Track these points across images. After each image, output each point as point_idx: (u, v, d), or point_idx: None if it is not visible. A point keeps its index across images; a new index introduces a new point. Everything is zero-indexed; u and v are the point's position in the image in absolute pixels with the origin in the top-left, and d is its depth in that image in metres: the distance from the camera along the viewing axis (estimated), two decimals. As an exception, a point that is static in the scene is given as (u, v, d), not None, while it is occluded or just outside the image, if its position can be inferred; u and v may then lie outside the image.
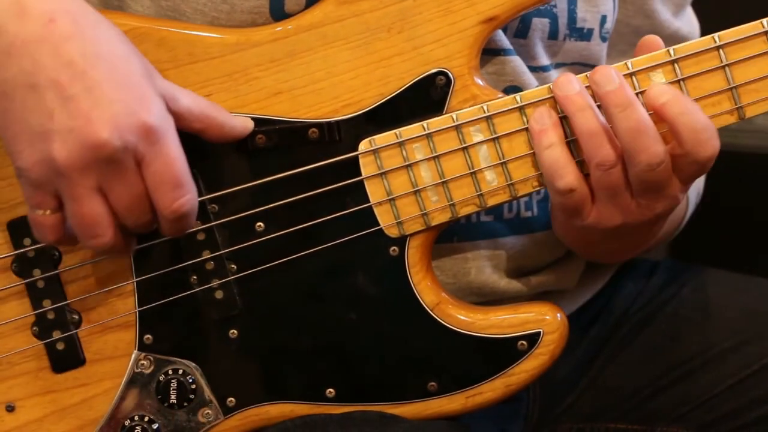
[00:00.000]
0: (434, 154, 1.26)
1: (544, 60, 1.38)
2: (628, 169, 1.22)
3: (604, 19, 1.40)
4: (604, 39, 1.41)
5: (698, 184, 1.56)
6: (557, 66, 1.40)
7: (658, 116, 1.22)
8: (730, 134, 2.03)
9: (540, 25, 1.35)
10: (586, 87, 1.23)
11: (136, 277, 1.28)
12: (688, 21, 1.55)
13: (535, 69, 1.38)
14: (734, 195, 2.12)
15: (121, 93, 1.15)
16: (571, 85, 1.22)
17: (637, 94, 1.24)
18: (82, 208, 1.16)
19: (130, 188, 1.16)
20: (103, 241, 1.18)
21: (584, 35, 1.39)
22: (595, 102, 1.22)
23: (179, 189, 1.17)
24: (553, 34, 1.37)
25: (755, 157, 2.11)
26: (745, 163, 2.08)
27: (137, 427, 1.28)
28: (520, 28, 1.35)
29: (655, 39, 1.26)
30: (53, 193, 1.17)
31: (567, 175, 1.22)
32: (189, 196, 1.18)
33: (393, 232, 1.27)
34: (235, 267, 1.28)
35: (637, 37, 1.29)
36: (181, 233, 1.22)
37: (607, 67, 1.23)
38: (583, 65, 1.41)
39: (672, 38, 1.48)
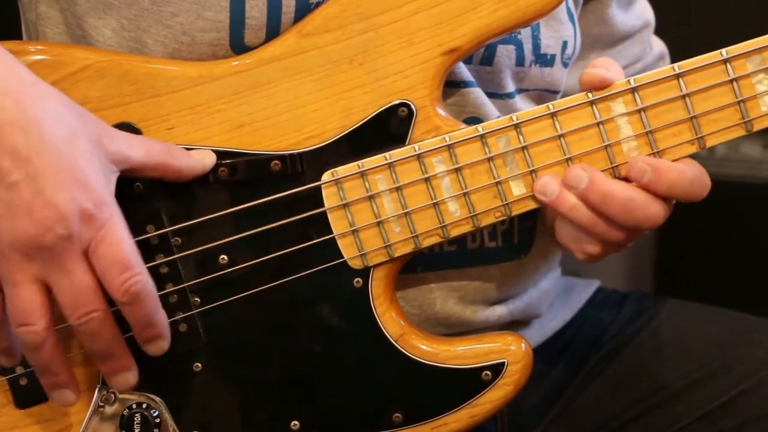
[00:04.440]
0: (397, 185, 1.26)
1: (510, 87, 1.39)
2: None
3: (565, 44, 1.41)
4: (565, 65, 1.42)
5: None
6: (520, 91, 1.41)
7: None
8: (718, 163, 2.05)
9: (506, 52, 1.36)
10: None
11: (100, 311, 1.27)
12: (637, 14, 1.58)
13: (500, 96, 1.38)
14: (722, 224, 2.13)
15: (64, 180, 1.14)
16: (548, 188, 1.25)
17: (599, 123, 1.25)
18: (19, 292, 1.16)
19: (73, 278, 1.15)
20: (34, 329, 1.16)
21: (547, 61, 1.40)
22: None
23: (128, 270, 1.17)
24: (519, 61, 1.38)
25: (743, 186, 2.11)
26: (732, 192, 2.09)
27: (101, 462, 1.28)
28: (485, 56, 1.35)
29: (597, 76, 1.26)
30: None
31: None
32: (139, 277, 1.17)
33: (356, 264, 1.27)
34: (199, 300, 1.27)
35: (597, 43, 1.30)
36: (147, 322, 1.20)
37: (575, 167, 1.24)
38: (545, 91, 1.42)
39: (628, 35, 1.52)
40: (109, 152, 1.19)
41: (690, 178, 1.24)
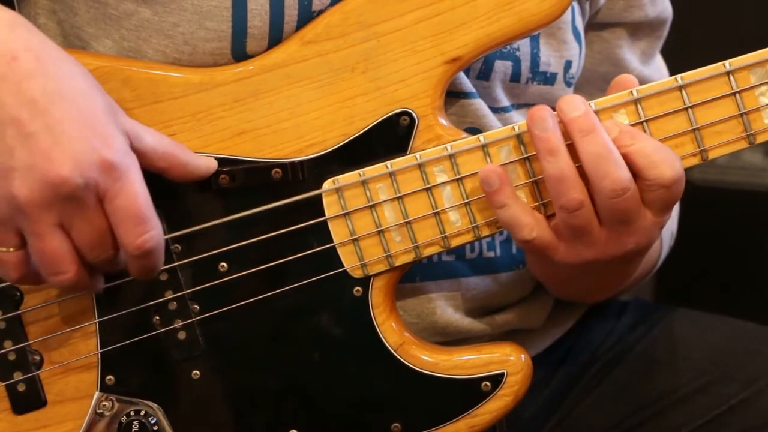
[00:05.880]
0: (398, 195, 1.26)
1: (505, 102, 1.39)
2: (595, 199, 1.21)
3: (569, 64, 1.40)
4: (569, 84, 1.42)
5: (671, 226, 1.56)
6: (519, 107, 1.40)
7: None
8: (719, 171, 2.05)
9: (502, 67, 1.36)
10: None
11: (99, 318, 1.27)
12: (657, 68, 1.56)
13: (496, 110, 1.38)
14: (723, 232, 2.12)
15: (82, 130, 1.15)
16: (545, 123, 1.21)
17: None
18: (45, 244, 1.16)
19: (91, 225, 1.16)
20: (66, 277, 1.17)
21: (548, 79, 1.39)
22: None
23: (143, 225, 1.16)
24: (515, 77, 1.37)
25: (744, 194, 2.11)
26: (734, 200, 2.09)
27: (98, 469, 1.28)
28: (482, 70, 1.35)
29: (628, 77, 1.26)
30: (16, 231, 1.17)
31: (524, 227, 1.23)
32: (153, 232, 1.17)
33: (357, 273, 1.27)
34: (198, 307, 1.27)
35: (606, 83, 1.29)
36: (150, 272, 1.21)
37: (575, 96, 1.23)
38: None
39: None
40: (124, 124, 1.20)
41: (654, 144, 1.21)
